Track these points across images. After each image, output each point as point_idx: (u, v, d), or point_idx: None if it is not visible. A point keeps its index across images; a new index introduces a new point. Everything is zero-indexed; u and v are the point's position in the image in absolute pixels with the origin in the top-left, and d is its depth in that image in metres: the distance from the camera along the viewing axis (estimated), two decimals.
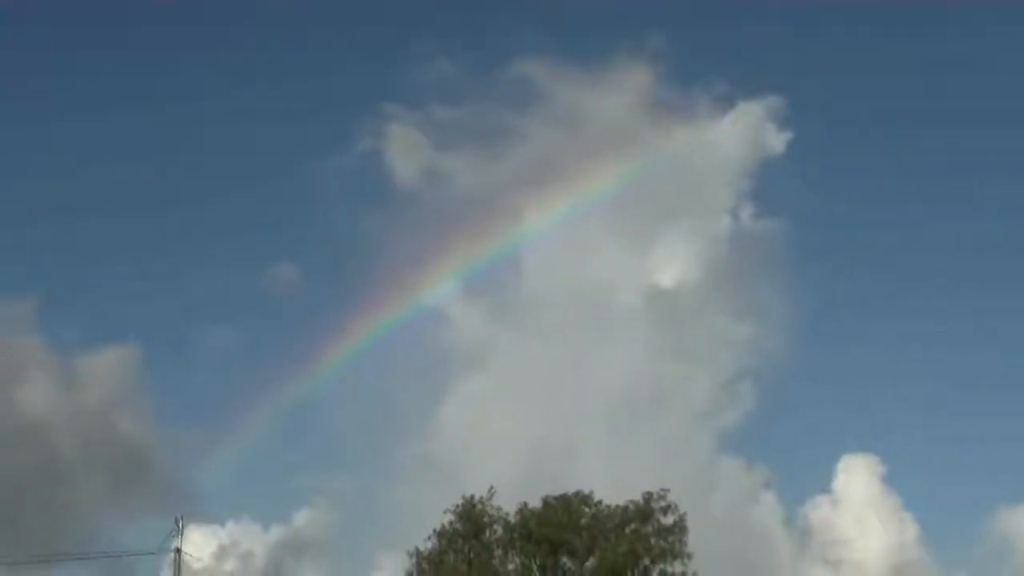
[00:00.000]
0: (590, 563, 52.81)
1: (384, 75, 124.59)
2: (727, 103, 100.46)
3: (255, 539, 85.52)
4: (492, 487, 54.25)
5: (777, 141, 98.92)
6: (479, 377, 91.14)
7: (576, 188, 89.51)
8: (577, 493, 54.00)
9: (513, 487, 56.77)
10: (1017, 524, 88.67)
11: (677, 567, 53.06)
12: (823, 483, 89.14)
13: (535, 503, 53.72)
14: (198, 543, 65.46)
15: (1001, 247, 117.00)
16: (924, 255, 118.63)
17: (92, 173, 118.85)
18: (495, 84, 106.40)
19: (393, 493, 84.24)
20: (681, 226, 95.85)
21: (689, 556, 53.02)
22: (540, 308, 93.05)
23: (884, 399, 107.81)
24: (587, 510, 53.70)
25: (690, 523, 53.45)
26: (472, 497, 53.90)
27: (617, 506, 53.85)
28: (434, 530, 53.77)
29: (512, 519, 53.49)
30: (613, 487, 55.60)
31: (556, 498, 53.62)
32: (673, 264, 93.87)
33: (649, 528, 53.42)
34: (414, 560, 53.70)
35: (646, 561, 52.92)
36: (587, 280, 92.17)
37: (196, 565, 61.51)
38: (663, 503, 53.52)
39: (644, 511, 53.49)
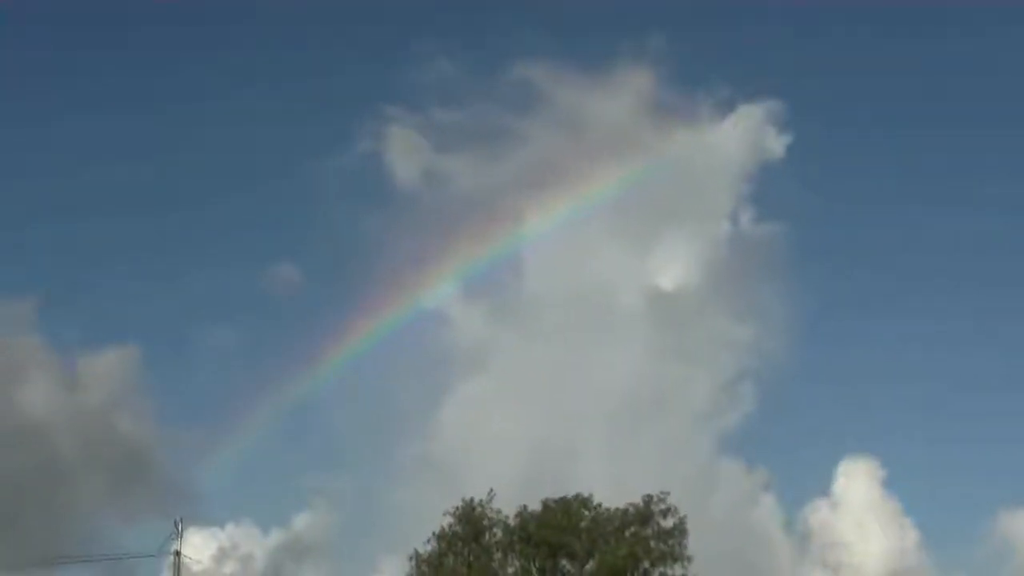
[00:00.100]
0: (590, 566, 52.68)
1: (384, 75, 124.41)
2: (727, 106, 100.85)
3: (255, 542, 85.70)
4: (492, 490, 54.25)
5: (777, 144, 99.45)
6: (479, 378, 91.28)
7: (577, 190, 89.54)
8: (577, 496, 53.89)
9: (513, 488, 56.94)
10: (1018, 526, 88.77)
11: (677, 570, 52.99)
12: (823, 486, 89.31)
13: (535, 504, 53.65)
14: (197, 546, 65.72)
15: (1001, 247, 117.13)
16: (924, 255, 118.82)
17: (92, 173, 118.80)
18: (495, 85, 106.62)
19: (393, 494, 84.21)
20: (682, 228, 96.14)
21: (689, 559, 52.97)
22: (540, 310, 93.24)
23: (884, 400, 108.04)
24: (587, 513, 53.59)
25: (690, 525, 53.41)
26: (471, 500, 53.81)
27: (617, 509, 53.77)
28: (433, 533, 53.67)
29: (511, 522, 53.39)
30: (613, 488, 55.71)
31: (556, 501, 53.53)
32: (674, 266, 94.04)
33: (649, 531, 53.32)
34: (414, 563, 53.62)
35: (646, 564, 52.77)
36: (587, 282, 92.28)
37: (196, 568, 61.82)
38: (663, 506, 53.46)
39: (644, 514, 53.40)
